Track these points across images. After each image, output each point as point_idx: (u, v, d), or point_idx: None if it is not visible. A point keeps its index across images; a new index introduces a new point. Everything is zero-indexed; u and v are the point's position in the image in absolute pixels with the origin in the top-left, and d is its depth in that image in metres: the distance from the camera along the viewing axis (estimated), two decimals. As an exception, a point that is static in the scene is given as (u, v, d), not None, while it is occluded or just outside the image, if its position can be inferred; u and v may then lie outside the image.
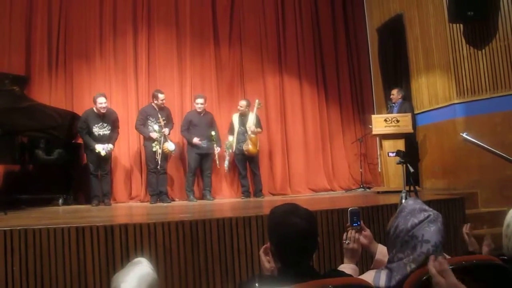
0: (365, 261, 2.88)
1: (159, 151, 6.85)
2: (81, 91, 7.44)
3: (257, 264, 3.56)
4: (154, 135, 6.86)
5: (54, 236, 3.26)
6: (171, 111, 7.40)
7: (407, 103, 7.29)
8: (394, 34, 7.86)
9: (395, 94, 7.34)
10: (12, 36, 7.22)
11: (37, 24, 7.39)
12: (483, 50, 6.12)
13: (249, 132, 7.36)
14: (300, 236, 1.73)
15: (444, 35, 6.48)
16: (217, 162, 7.36)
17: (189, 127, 7.26)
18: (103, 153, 6.54)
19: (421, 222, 1.76)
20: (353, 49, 9.11)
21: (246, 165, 7.55)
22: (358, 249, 2.18)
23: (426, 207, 1.84)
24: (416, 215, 1.79)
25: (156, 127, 6.90)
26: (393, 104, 7.36)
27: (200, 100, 7.25)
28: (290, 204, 1.85)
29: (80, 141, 6.99)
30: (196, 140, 7.07)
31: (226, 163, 7.45)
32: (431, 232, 1.73)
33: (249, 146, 7.31)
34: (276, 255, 1.79)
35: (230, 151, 7.45)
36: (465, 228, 2.77)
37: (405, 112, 6.98)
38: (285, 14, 8.71)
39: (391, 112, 7.20)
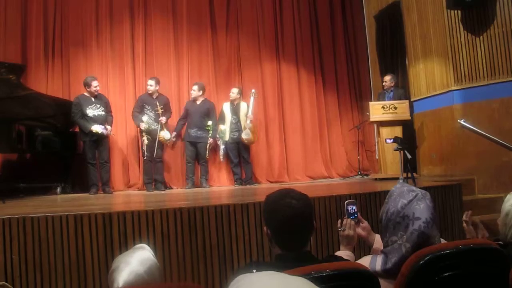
0: (363, 251, 2.89)
1: (146, 141, 6.91)
2: (78, 79, 7.35)
3: (255, 250, 3.59)
4: (142, 125, 6.89)
5: (53, 224, 3.27)
6: (169, 99, 7.41)
7: (401, 90, 7.25)
8: (391, 21, 7.82)
9: (388, 81, 7.29)
10: (7, 24, 7.14)
11: (33, 12, 7.31)
12: (481, 37, 6.10)
13: (248, 121, 7.38)
14: (296, 217, 1.75)
15: (442, 22, 6.45)
16: (207, 152, 7.34)
17: (186, 115, 7.38)
18: (100, 131, 6.50)
19: (410, 201, 1.78)
20: (350, 36, 9.06)
21: (237, 153, 7.59)
22: (354, 235, 2.20)
23: (414, 188, 1.86)
24: (405, 195, 1.81)
25: (145, 117, 6.92)
26: (386, 91, 7.33)
27: (193, 87, 7.39)
28: (285, 188, 1.88)
29: (77, 129, 6.97)
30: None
31: (222, 152, 7.48)
32: (421, 209, 1.76)
33: (249, 136, 7.36)
34: (273, 239, 1.79)
35: (225, 139, 7.47)
36: (465, 216, 2.78)
37: (400, 99, 6.96)
38: (282, 1, 8.64)
39: (384, 100, 7.16)
